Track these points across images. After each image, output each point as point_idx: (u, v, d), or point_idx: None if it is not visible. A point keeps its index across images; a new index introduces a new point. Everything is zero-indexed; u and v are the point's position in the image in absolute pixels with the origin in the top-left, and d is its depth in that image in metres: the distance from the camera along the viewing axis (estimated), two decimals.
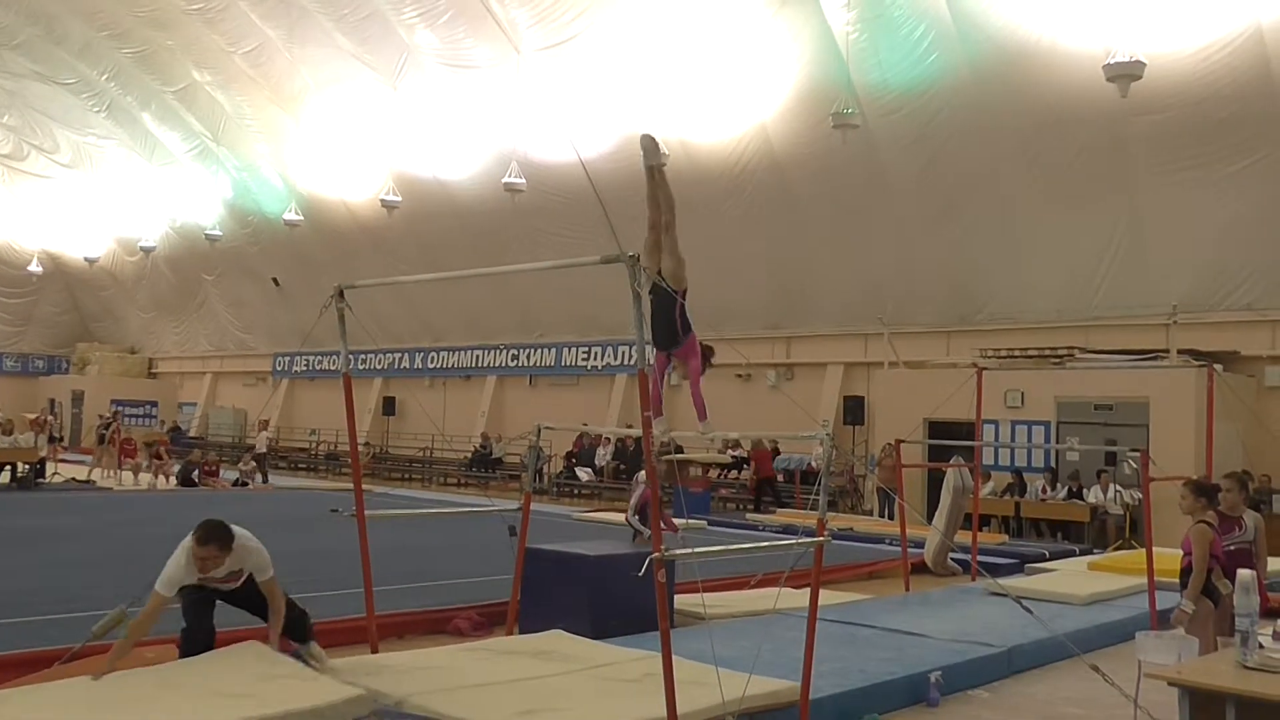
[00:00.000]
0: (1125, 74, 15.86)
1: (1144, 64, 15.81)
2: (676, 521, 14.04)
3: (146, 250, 37.08)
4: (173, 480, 22.74)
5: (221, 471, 23.81)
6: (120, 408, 32.68)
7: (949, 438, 15.79)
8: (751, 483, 21.81)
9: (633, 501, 9.78)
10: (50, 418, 30.32)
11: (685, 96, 21.77)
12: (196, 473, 22.71)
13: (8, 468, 20.75)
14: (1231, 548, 6.87)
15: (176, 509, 16.54)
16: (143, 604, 7.05)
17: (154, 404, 39.79)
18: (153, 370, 42.65)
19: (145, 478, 23.08)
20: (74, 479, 22.19)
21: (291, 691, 5.52)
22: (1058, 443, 17.38)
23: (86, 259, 40.39)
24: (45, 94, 33.45)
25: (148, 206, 36.09)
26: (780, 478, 22.33)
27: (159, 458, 23.61)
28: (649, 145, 6.38)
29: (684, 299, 6.01)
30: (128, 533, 13.92)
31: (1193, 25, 16.31)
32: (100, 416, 30.66)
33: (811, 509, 6.47)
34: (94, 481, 22.38)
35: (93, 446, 27.80)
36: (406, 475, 29.31)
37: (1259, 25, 15.91)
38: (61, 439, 30.20)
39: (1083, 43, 16.93)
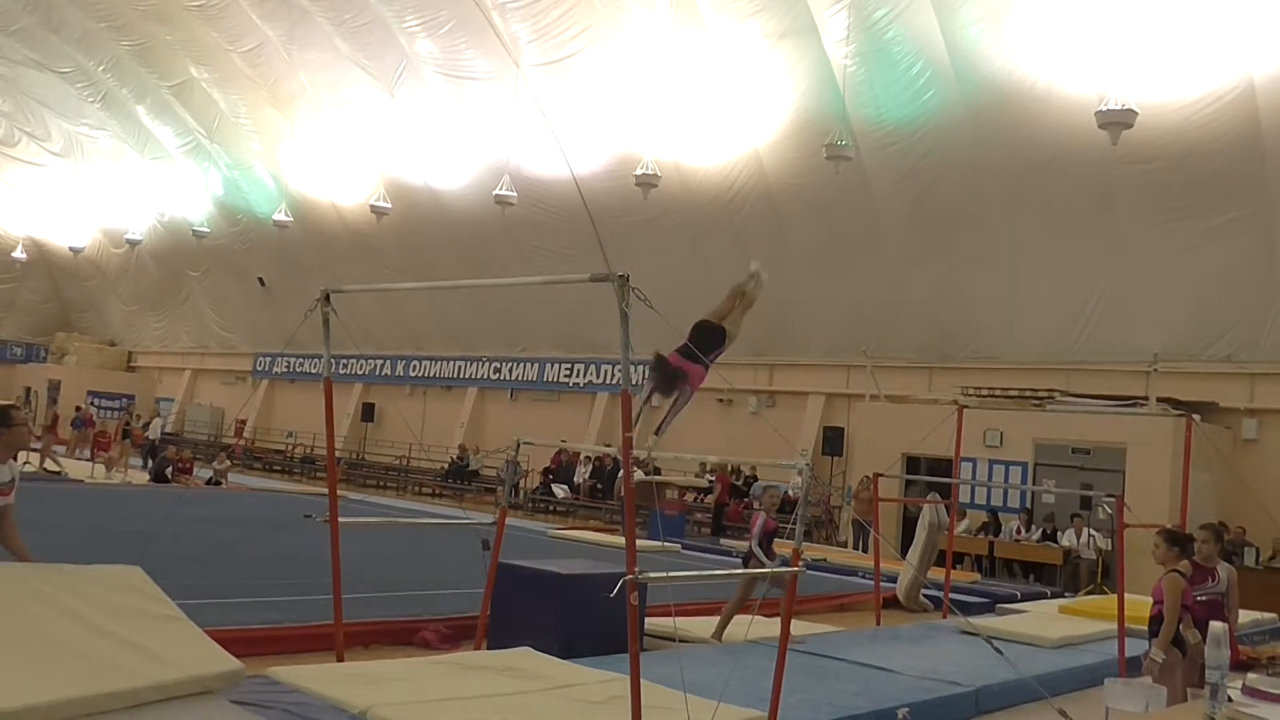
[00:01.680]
0: (1117, 121, 16.01)
1: (1136, 112, 15.97)
2: (652, 543, 14.01)
3: (133, 243, 36.88)
4: (137, 472, 22.58)
5: (195, 469, 23.60)
6: (95, 399, 32.43)
7: (927, 473, 15.82)
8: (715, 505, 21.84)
9: (755, 530, 9.66)
10: (25, 407, 30.04)
11: (681, 119, 21.86)
12: (171, 469, 22.51)
13: None
14: (1203, 598, 6.89)
15: (145, 505, 16.39)
16: None
17: (131, 398, 39.49)
18: (132, 364, 42.34)
19: (122, 472, 22.88)
20: (45, 469, 21.96)
21: (169, 654, 5.41)
22: (1034, 484, 17.43)
23: (72, 248, 40.14)
24: (40, 81, 33.31)
25: (137, 199, 35.91)
26: (756, 505, 22.26)
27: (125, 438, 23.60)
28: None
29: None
30: (95, 526, 13.77)
31: (1186, 77, 16.49)
32: (77, 408, 30.46)
33: (787, 538, 6.45)
34: (65, 472, 22.14)
35: (67, 437, 27.56)
36: (382, 483, 29.13)
37: (1251, 80, 16.09)
38: (31, 424, 29.48)
39: (1077, 88, 17.10)
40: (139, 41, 29.47)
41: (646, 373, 5.92)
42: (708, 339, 6.16)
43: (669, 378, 5.87)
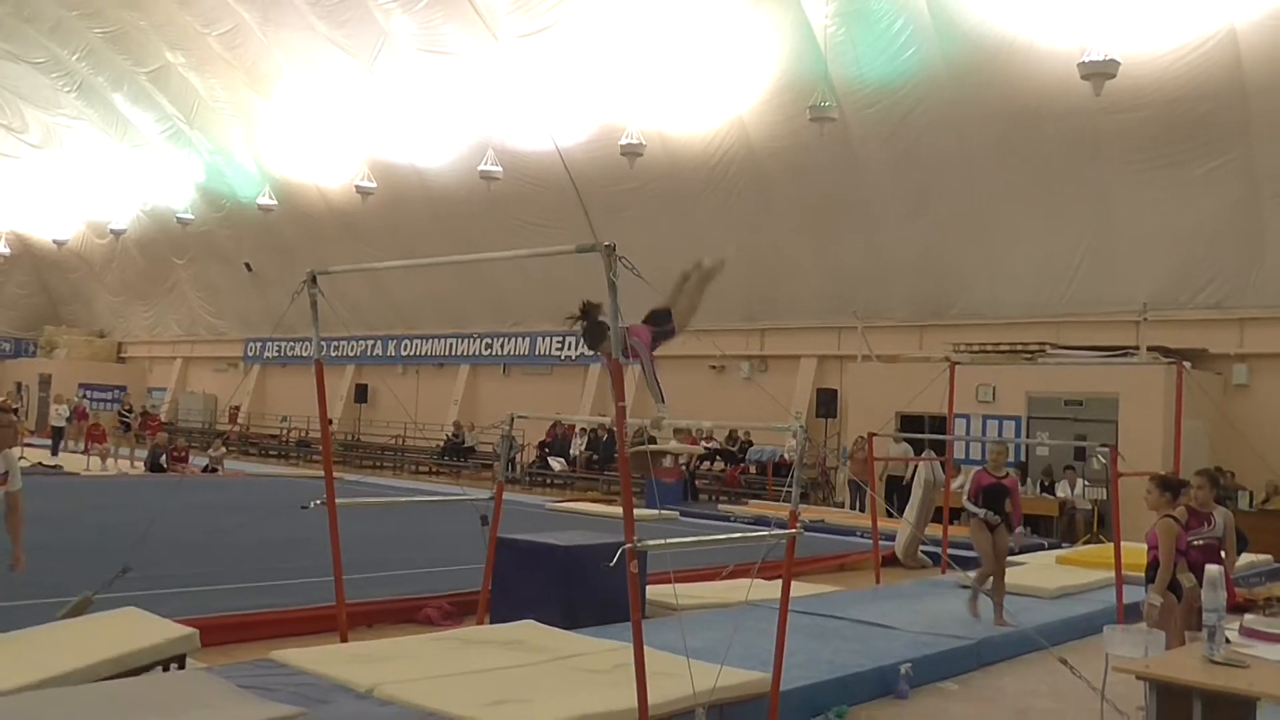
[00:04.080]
0: (1099, 72, 15.96)
1: (1118, 63, 15.91)
2: (649, 512, 14.04)
3: (116, 233, 36.67)
4: (139, 464, 22.57)
5: (191, 457, 23.59)
6: (87, 391, 32.22)
7: (921, 431, 15.88)
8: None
9: (968, 488, 9.51)
10: (18, 401, 29.91)
11: (663, 87, 21.73)
12: (164, 457, 22.51)
13: None
14: (1199, 543, 6.95)
15: (142, 495, 16.37)
16: (110, 589, 7.02)
17: (123, 389, 39.35)
18: (122, 354, 42.18)
19: (114, 463, 22.87)
20: (40, 463, 21.93)
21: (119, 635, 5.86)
22: (1028, 437, 17.50)
23: (55, 241, 39.88)
24: (15, 73, 32.94)
25: (118, 188, 35.66)
26: (752, 469, 22.39)
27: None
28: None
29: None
30: (93, 518, 13.79)
31: (1167, 26, 16.43)
32: (67, 400, 30.32)
33: (784, 500, 6.48)
34: (61, 466, 22.12)
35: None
36: (378, 463, 29.16)
37: (1233, 27, 16.04)
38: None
39: (1058, 41, 17.02)
40: (112, 28, 29.14)
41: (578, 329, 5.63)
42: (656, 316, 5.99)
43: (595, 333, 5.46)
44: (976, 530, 9.10)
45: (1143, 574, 7.01)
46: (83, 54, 30.67)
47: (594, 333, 5.39)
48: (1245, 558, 11.82)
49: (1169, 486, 6.87)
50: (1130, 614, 8.71)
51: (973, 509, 9.09)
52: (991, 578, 8.97)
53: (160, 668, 6.02)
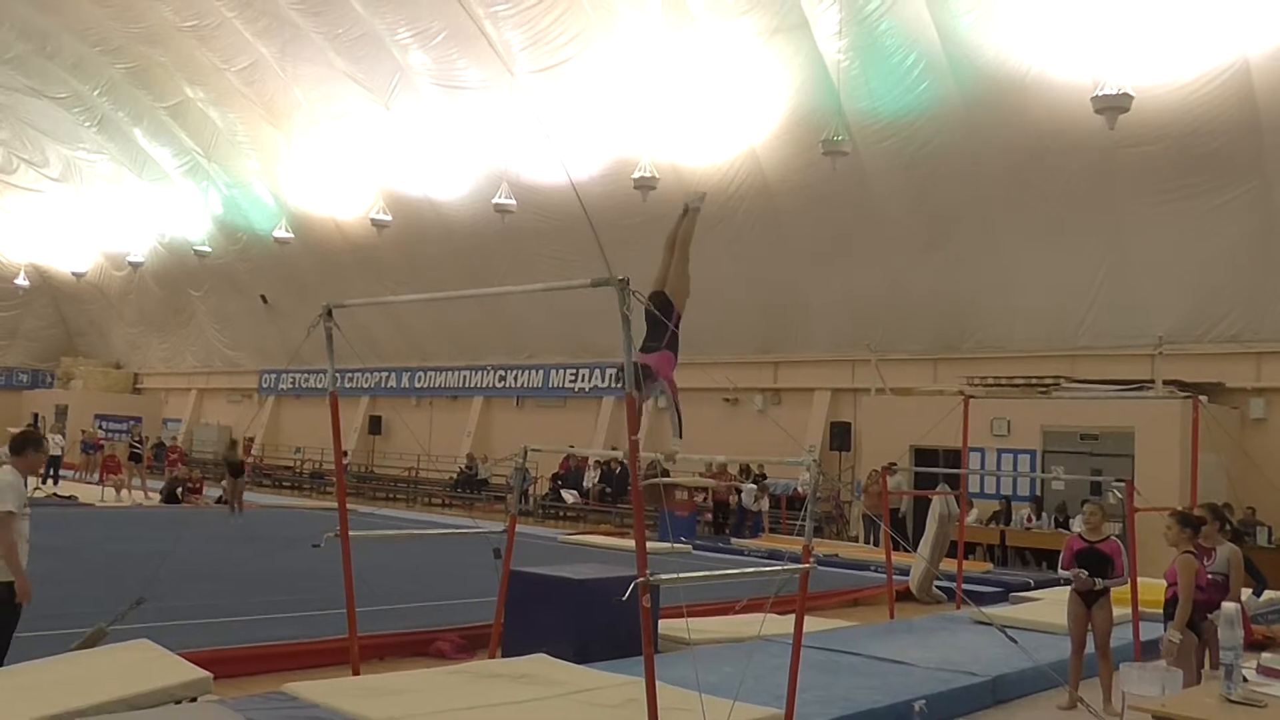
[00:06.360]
0: (1113, 106, 15.99)
1: (1132, 96, 15.95)
2: (662, 545, 13.98)
3: (134, 265, 36.98)
4: (154, 495, 22.62)
5: (205, 489, 23.64)
6: (103, 422, 32.31)
7: (935, 465, 15.80)
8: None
9: (1062, 556, 7.96)
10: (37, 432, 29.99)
11: (677, 121, 21.86)
12: (181, 489, 22.57)
13: None
14: (1208, 576, 6.93)
15: (157, 526, 16.42)
16: (124, 621, 7.04)
17: (138, 419, 39.53)
18: (138, 386, 42.43)
19: (129, 494, 22.93)
20: (55, 494, 22.02)
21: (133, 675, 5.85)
22: (1043, 472, 17.39)
23: (74, 273, 40.25)
24: (36, 108, 33.40)
25: (137, 221, 36.01)
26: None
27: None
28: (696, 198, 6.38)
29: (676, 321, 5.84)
30: (107, 549, 13.82)
31: (1180, 59, 16.47)
32: (84, 432, 30.52)
33: (797, 534, 6.46)
34: (75, 497, 22.19)
35: (75, 461, 27.63)
36: (391, 495, 29.16)
37: (1246, 60, 16.07)
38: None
39: (1072, 74, 17.08)
40: (134, 64, 29.55)
41: (613, 380, 5.72)
42: (660, 315, 5.70)
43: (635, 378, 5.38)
44: (1069, 605, 7.82)
45: (1159, 610, 6.95)
46: (104, 89, 31.09)
47: (639, 381, 5.30)
48: (1266, 594, 11.67)
49: (1189, 523, 6.83)
50: (1148, 650, 8.62)
51: (1063, 574, 7.94)
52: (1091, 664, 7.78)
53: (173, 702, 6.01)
